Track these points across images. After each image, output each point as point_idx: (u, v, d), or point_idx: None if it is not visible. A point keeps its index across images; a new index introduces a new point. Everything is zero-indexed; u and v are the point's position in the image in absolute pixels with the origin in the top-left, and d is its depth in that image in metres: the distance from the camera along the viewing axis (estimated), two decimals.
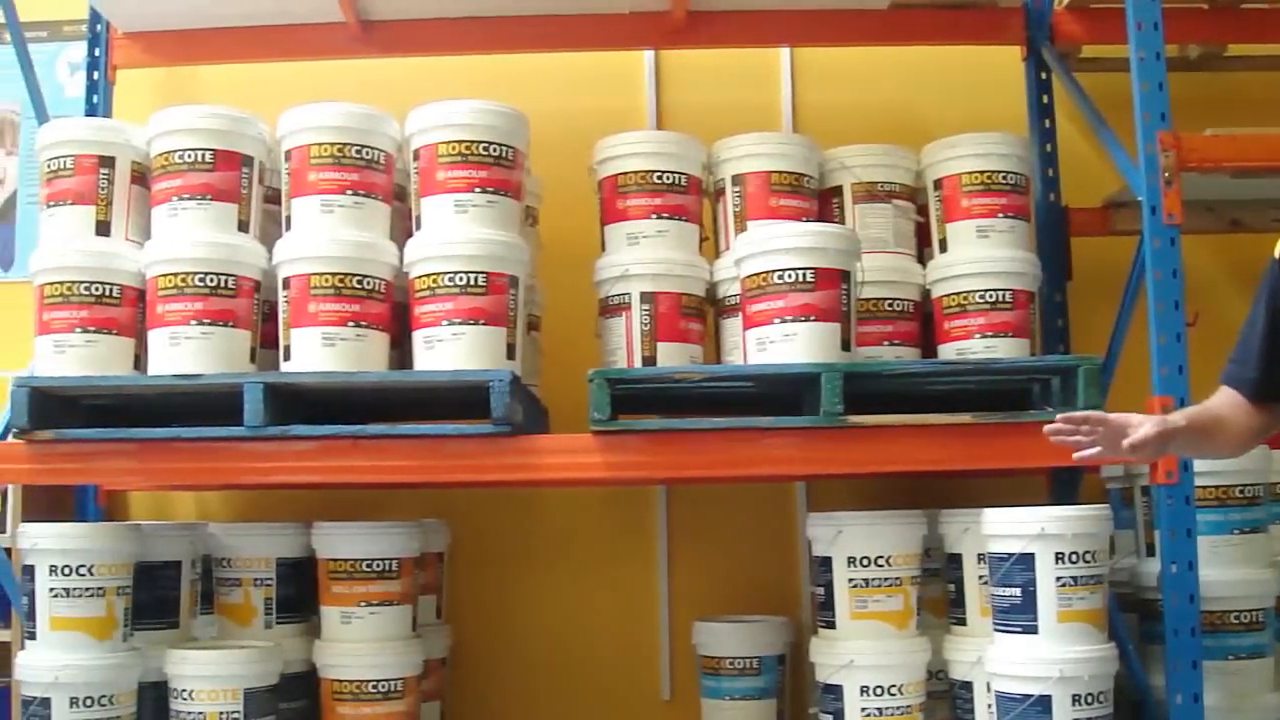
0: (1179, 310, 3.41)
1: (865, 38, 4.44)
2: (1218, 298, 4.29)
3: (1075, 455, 2.64)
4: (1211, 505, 3.66)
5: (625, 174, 3.85)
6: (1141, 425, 2.60)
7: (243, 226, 3.62)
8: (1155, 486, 3.40)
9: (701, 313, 3.86)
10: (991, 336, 3.78)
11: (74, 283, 3.55)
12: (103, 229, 3.64)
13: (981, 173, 3.86)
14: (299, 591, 3.88)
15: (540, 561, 4.56)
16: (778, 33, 4.48)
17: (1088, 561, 3.30)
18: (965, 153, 3.89)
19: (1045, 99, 4.40)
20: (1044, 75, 4.40)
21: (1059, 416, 2.66)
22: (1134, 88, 3.49)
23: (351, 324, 3.50)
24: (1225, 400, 2.76)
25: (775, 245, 3.51)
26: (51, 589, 3.43)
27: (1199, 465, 3.42)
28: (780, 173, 3.88)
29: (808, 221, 3.83)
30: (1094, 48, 4.41)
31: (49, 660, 3.41)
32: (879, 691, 3.48)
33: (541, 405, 3.96)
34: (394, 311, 3.63)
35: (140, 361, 3.61)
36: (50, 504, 4.21)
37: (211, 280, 3.50)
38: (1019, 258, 3.84)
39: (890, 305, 3.86)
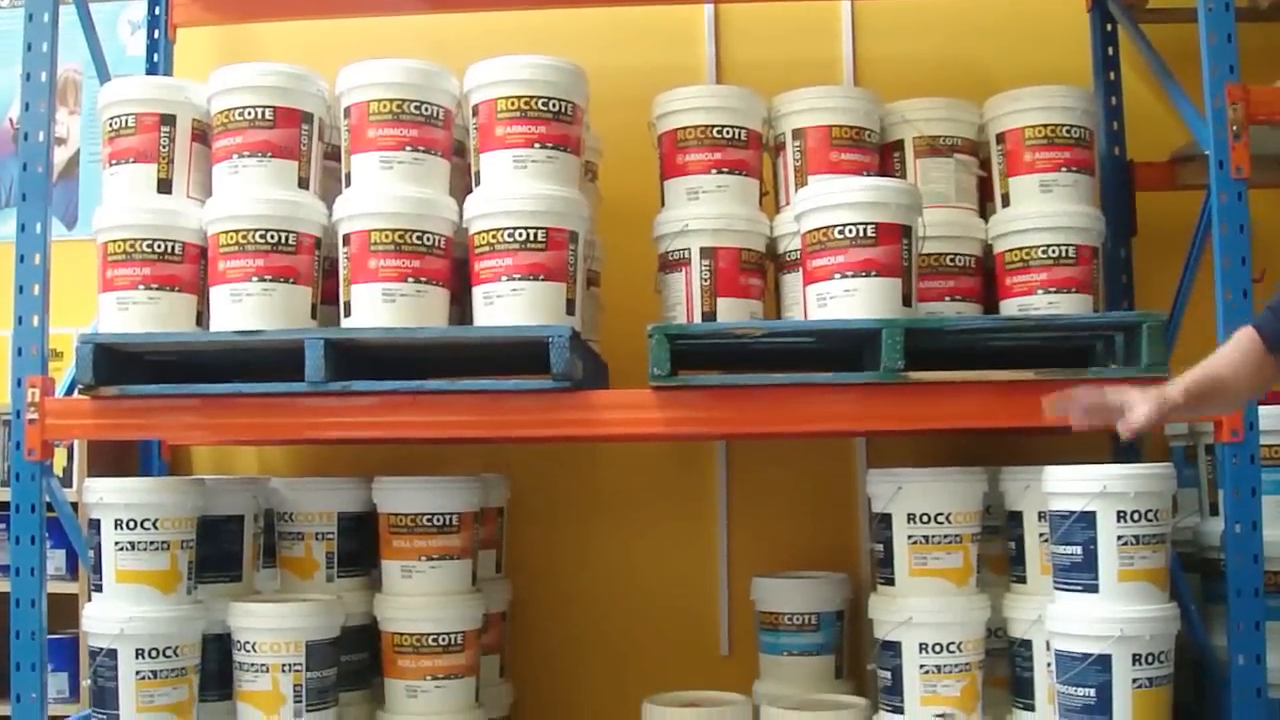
0: (1245, 266, 3.36)
1: None
2: None
3: (1074, 426, 2.67)
4: (1277, 464, 3.61)
5: (685, 129, 3.82)
6: (1138, 405, 2.59)
7: (303, 183, 3.63)
8: (1220, 445, 3.37)
9: (761, 268, 3.84)
10: (1054, 292, 3.73)
11: (137, 240, 3.58)
12: (164, 187, 3.65)
13: (1045, 126, 3.81)
14: (360, 545, 3.91)
15: (600, 516, 4.58)
16: None
17: (1150, 520, 3.27)
18: (1028, 106, 3.83)
19: (1110, 51, 4.33)
20: (1109, 27, 4.32)
21: (1056, 395, 2.67)
22: (1202, 39, 3.43)
23: (411, 280, 3.51)
24: (1233, 354, 2.70)
25: (836, 200, 3.48)
26: (117, 543, 3.48)
27: (1264, 424, 3.38)
28: (841, 127, 3.85)
29: (869, 176, 3.79)
30: None
31: (115, 612, 3.46)
32: (938, 649, 3.47)
33: (601, 361, 3.96)
34: (454, 267, 3.63)
35: (203, 318, 3.64)
36: (115, 459, 4.27)
37: (272, 237, 3.52)
38: (1082, 212, 3.79)
39: (952, 260, 3.83)
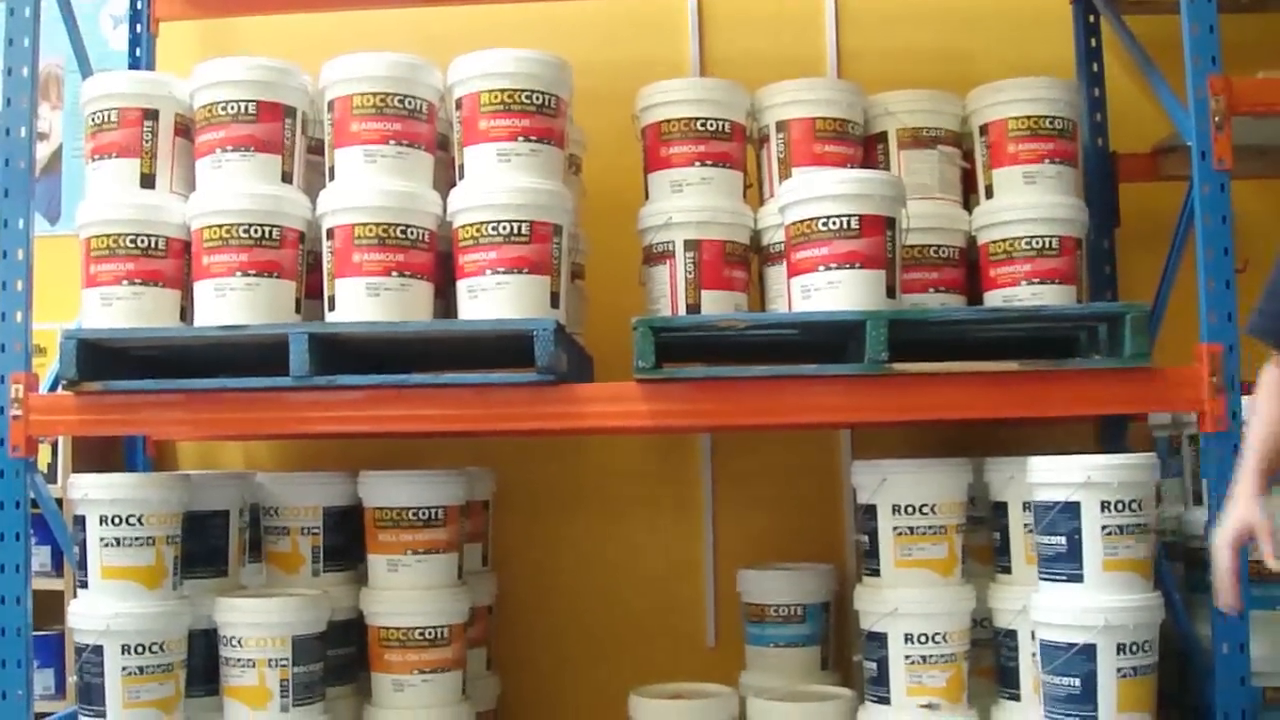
0: (1228, 256, 3.36)
1: None
2: (1268, 244, 4.22)
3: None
4: None
5: (669, 121, 3.82)
6: (1259, 532, 2.70)
7: (286, 178, 3.62)
8: (1203, 435, 3.37)
9: (745, 260, 3.85)
10: (1038, 283, 3.74)
11: (120, 235, 3.57)
12: (147, 182, 3.65)
13: (1028, 118, 3.81)
14: (346, 540, 3.91)
15: (586, 509, 4.58)
16: None
17: (1133, 510, 3.28)
18: (1012, 97, 3.84)
19: (1093, 42, 4.34)
20: (1092, 18, 4.33)
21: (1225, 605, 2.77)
22: (1184, 30, 3.43)
23: (395, 274, 3.50)
24: (1272, 411, 2.77)
25: (819, 192, 3.49)
26: (102, 538, 3.47)
27: (1246, 413, 3.39)
28: (824, 119, 3.85)
29: (852, 168, 3.80)
30: None
31: (101, 609, 3.45)
32: (923, 639, 3.48)
33: (586, 354, 3.96)
34: (438, 261, 3.63)
35: (187, 313, 3.63)
36: (99, 455, 4.26)
37: (256, 232, 3.51)
38: (1066, 204, 3.80)
39: (936, 252, 3.83)
